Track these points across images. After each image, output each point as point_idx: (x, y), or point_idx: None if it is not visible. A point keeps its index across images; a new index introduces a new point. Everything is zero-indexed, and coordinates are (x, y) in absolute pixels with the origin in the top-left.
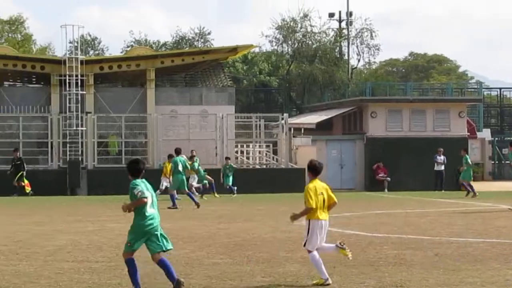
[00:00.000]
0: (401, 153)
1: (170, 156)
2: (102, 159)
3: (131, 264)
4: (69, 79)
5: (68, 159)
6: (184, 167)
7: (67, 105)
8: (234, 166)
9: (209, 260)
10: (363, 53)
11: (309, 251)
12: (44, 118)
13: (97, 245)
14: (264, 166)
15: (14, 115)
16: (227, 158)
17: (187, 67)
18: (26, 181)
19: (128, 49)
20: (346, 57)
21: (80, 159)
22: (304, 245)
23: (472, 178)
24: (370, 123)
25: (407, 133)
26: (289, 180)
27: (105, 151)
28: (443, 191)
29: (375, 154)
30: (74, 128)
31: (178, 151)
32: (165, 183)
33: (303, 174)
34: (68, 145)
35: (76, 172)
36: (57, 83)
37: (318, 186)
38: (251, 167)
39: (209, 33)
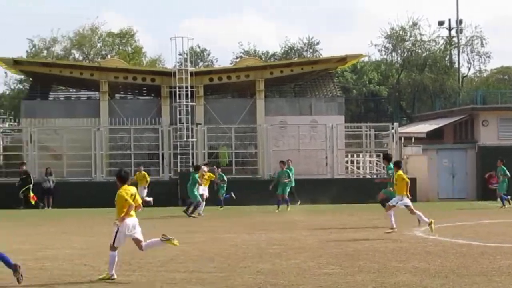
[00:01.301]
0: None
1: (196, 168)
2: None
3: None
4: (179, 91)
5: (179, 170)
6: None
7: (178, 116)
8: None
9: (320, 270)
10: (473, 61)
11: (114, 249)
12: (155, 129)
13: (208, 256)
14: (375, 176)
15: (126, 127)
16: (217, 167)
17: (296, 77)
18: (31, 194)
19: (237, 60)
20: (456, 65)
21: (191, 170)
22: (113, 243)
23: (505, 191)
24: (482, 131)
25: None
26: None
27: (216, 162)
28: None
29: (487, 163)
30: (185, 139)
31: (197, 167)
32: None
33: (414, 183)
34: (179, 156)
35: (187, 183)
36: (167, 95)
37: (126, 191)
38: (361, 177)
39: (317, 43)
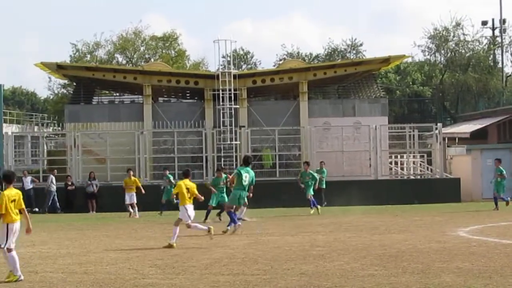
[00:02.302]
0: None
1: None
2: (256, 172)
3: None
4: (222, 94)
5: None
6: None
7: (221, 119)
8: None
9: (364, 271)
10: None
11: (9, 251)
12: (198, 132)
13: (252, 258)
14: (419, 177)
15: (169, 131)
16: (165, 169)
17: (339, 78)
18: None
19: (281, 62)
20: (500, 65)
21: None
22: (4, 246)
23: (503, 191)
24: None
25: None
26: (444, 190)
27: (259, 164)
28: None
29: None
30: (228, 142)
31: (247, 160)
32: (127, 198)
33: (458, 184)
34: (222, 159)
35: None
36: (210, 98)
37: (12, 193)
38: (405, 177)
39: (361, 44)
